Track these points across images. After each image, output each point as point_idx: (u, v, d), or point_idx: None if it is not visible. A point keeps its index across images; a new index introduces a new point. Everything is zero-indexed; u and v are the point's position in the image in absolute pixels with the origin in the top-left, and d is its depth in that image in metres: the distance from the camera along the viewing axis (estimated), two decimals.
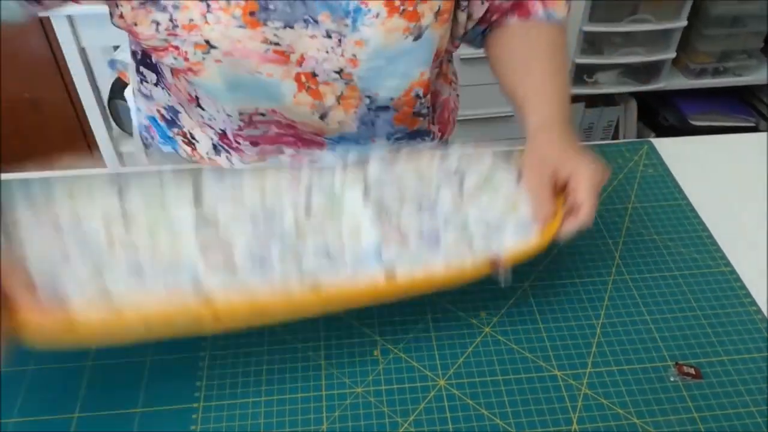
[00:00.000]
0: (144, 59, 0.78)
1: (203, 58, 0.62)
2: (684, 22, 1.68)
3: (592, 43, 1.74)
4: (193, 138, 0.79)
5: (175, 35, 0.61)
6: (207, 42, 0.61)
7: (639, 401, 0.57)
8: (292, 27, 0.61)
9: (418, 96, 0.72)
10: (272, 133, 0.72)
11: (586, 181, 0.59)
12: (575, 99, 1.83)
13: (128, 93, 0.93)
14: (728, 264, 0.69)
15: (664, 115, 1.98)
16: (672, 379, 0.59)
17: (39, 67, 1.88)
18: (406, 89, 0.70)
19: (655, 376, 0.59)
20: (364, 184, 0.62)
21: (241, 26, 0.60)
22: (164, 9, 0.60)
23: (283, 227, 0.58)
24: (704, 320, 0.64)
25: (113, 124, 1.74)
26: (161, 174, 0.60)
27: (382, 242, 0.57)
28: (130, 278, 0.52)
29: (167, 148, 0.83)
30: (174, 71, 0.72)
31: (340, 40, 0.63)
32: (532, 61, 0.70)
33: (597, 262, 0.69)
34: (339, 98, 0.68)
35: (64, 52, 1.52)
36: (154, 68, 0.78)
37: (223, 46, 0.61)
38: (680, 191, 0.78)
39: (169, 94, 0.78)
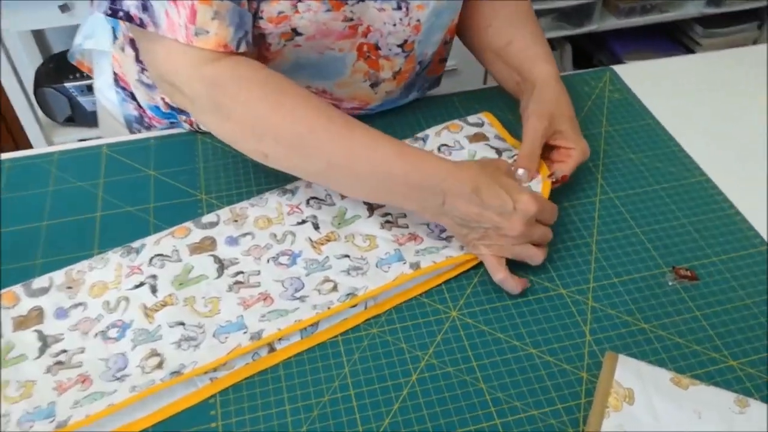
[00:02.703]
0: None
1: (284, 45, 0.64)
2: None
3: None
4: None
5: (259, 27, 0.62)
6: (293, 30, 0.62)
7: (644, 307, 0.59)
8: (363, 0, 0.63)
9: (446, 42, 0.76)
10: None
11: (576, 160, 0.66)
12: None
13: (101, 85, 0.87)
14: (703, 174, 0.72)
15: (599, 57, 2.04)
16: (670, 283, 0.61)
17: None
18: (443, 39, 0.74)
19: (654, 283, 0.61)
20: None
21: (328, 10, 0.62)
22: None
23: (302, 253, 0.62)
24: (690, 227, 0.66)
25: (40, 112, 1.65)
26: (179, 253, 0.62)
27: (400, 247, 0.62)
28: (188, 346, 0.55)
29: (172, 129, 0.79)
30: None
31: (407, 9, 0.65)
32: (526, 22, 0.74)
33: (582, 184, 0.71)
34: (396, 74, 0.71)
35: None
36: None
37: (309, 31, 0.63)
38: (647, 111, 0.81)
39: None
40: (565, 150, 0.67)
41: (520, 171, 0.65)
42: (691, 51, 1.98)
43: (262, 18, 0.60)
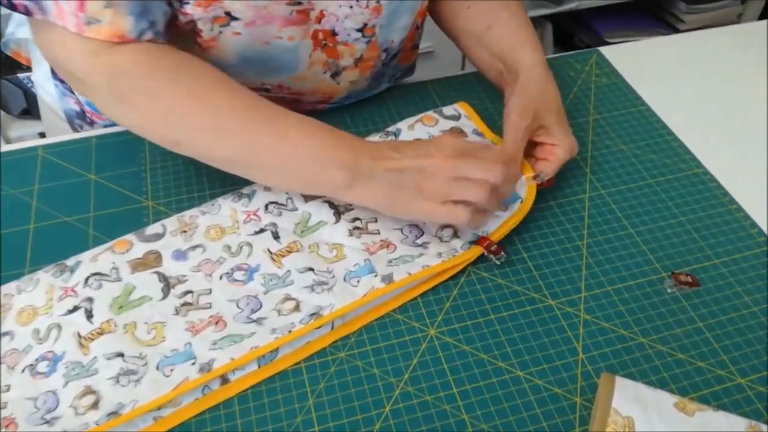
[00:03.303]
0: None
1: (219, 32, 0.56)
2: None
3: None
4: None
5: (186, 13, 0.54)
6: (228, 14, 0.55)
7: (641, 319, 0.53)
8: None
9: (417, 27, 0.69)
10: None
11: (561, 158, 0.60)
12: None
13: (39, 77, 0.79)
14: (700, 165, 0.66)
15: (579, 36, 1.97)
16: (669, 290, 0.55)
17: None
18: (412, 24, 0.67)
19: (652, 290, 0.55)
20: (328, 202, 0.59)
21: None
22: None
23: (260, 267, 0.55)
24: (688, 225, 0.61)
25: None
26: (118, 271, 0.54)
27: (370, 257, 0.55)
28: (128, 382, 0.48)
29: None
30: None
31: None
32: (509, 3, 0.67)
33: (569, 180, 0.64)
34: (358, 61, 0.64)
35: None
36: None
37: (246, 16, 0.55)
38: (637, 97, 0.74)
39: None
40: (550, 147, 0.60)
41: None
42: (674, 28, 1.92)
43: (189, 3, 0.53)
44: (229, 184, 0.62)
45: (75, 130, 0.78)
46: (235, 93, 0.54)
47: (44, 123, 0.86)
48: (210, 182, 0.63)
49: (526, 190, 0.59)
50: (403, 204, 0.53)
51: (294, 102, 0.67)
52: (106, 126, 0.72)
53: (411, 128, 0.66)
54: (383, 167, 0.53)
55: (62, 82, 0.73)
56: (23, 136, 1.58)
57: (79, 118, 0.76)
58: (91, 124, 0.75)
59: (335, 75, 0.64)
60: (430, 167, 0.52)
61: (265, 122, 0.53)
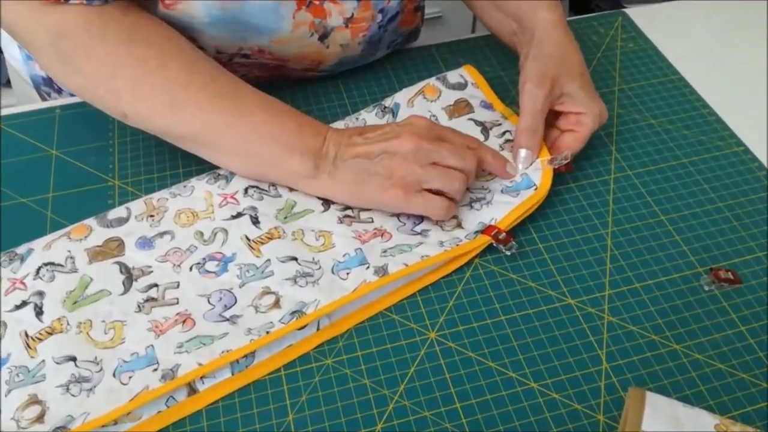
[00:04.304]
0: None
1: None
2: None
3: None
4: None
5: None
6: None
7: (674, 322, 0.46)
8: None
9: None
10: (251, 76, 0.60)
11: (588, 127, 0.53)
12: None
13: (3, 39, 0.73)
14: (740, 142, 0.59)
15: (596, 2, 1.87)
16: (707, 288, 0.48)
17: None
18: None
19: (686, 288, 0.48)
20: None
21: None
22: None
23: (236, 256, 0.48)
24: (728, 212, 0.53)
25: None
26: (74, 261, 0.48)
27: (362, 246, 0.49)
28: (80, 391, 0.42)
29: None
30: None
31: None
32: None
33: (592, 159, 0.57)
34: (348, 21, 0.57)
35: None
36: None
37: None
38: (668, 65, 0.66)
39: None
40: (576, 116, 0.53)
41: (523, 152, 0.51)
42: None
43: None
44: (206, 163, 0.54)
45: (43, 98, 0.71)
46: (194, 63, 0.49)
47: (14, 90, 0.80)
48: (184, 160, 0.56)
49: (541, 175, 0.51)
50: (372, 192, 0.48)
51: (278, 69, 0.60)
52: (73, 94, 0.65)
53: (410, 104, 0.58)
54: (350, 154, 0.49)
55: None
56: (13, 104, 1.51)
57: (46, 85, 0.69)
58: (59, 91, 0.68)
59: (323, 37, 0.57)
60: (400, 148, 0.48)
61: (223, 98, 0.49)
